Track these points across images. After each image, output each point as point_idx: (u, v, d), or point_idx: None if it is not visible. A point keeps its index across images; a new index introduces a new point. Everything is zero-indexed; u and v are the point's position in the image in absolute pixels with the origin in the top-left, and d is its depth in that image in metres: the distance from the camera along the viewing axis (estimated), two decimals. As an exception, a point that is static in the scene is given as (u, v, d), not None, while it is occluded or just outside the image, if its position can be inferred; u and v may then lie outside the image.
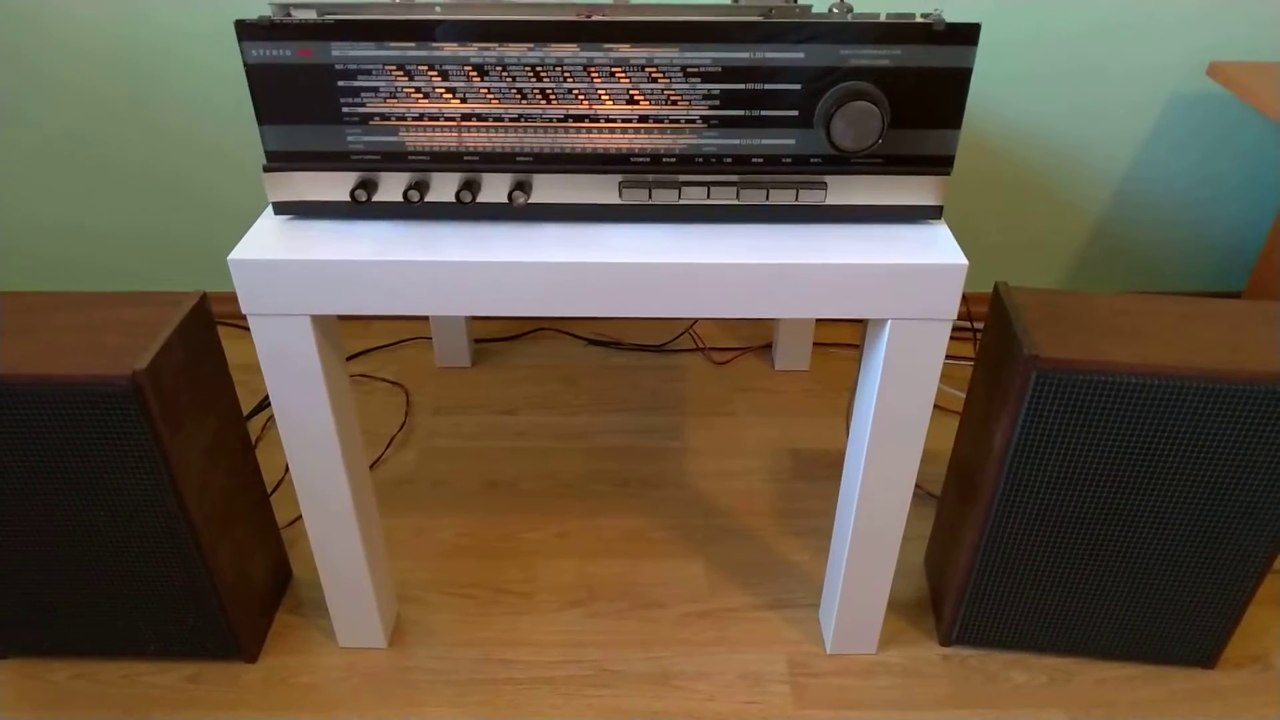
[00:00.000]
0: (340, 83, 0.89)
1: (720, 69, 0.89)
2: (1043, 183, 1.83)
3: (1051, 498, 1.09)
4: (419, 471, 1.57)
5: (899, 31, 0.86)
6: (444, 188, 0.94)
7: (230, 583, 1.16)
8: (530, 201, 0.95)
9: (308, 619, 1.30)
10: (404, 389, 1.76)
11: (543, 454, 1.61)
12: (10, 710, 1.18)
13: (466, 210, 0.96)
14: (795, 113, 0.91)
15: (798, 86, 0.89)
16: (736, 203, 0.95)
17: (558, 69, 0.88)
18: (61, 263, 1.91)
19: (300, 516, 1.46)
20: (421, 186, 0.94)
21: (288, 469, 1.53)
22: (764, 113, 0.91)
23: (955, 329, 1.87)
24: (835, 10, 0.93)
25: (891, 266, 0.91)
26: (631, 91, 0.90)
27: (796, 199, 0.95)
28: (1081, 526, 1.11)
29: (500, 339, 1.91)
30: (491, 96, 0.90)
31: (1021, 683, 1.22)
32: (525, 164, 0.93)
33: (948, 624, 1.24)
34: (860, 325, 1.94)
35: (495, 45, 0.87)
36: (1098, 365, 0.99)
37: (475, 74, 0.89)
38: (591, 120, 0.91)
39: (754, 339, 1.91)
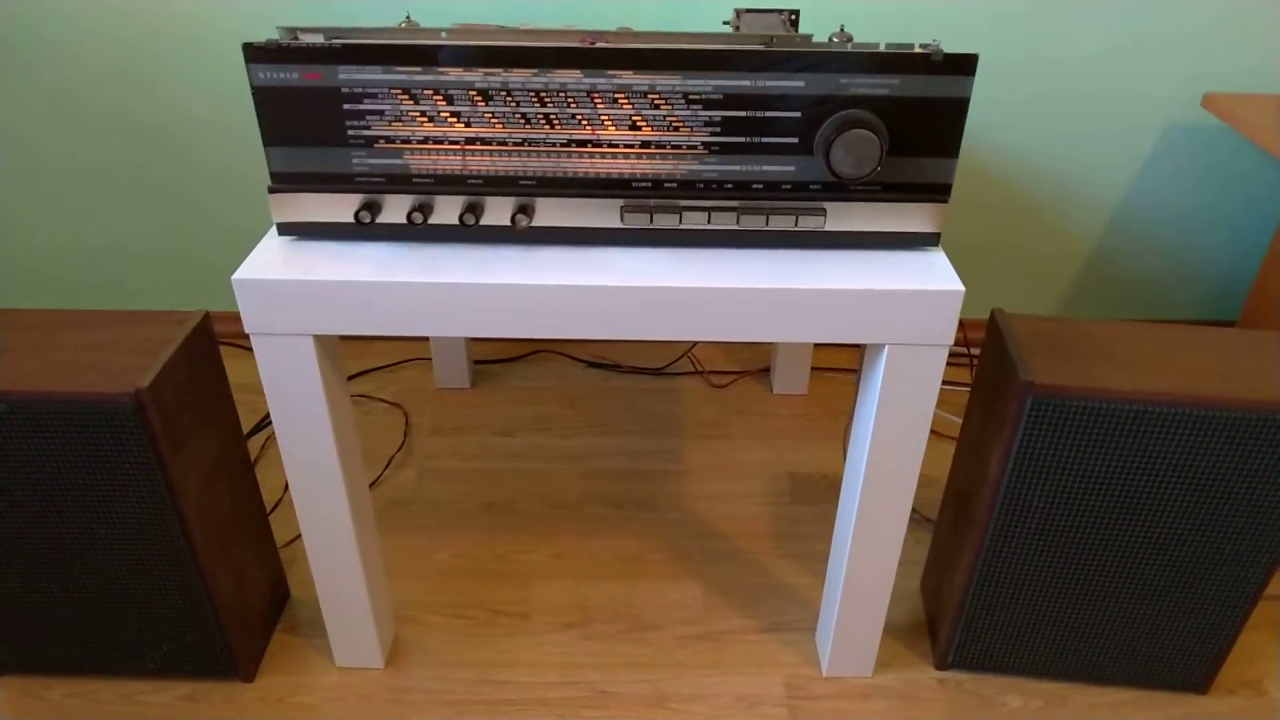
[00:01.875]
0: (346, 106, 0.90)
1: (722, 96, 0.90)
2: (1039, 211, 1.84)
3: (1047, 523, 1.09)
4: (417, 492, 1.57)
5: (898, 61, 0.88)
6: (447, 210, 0.95)
7: (229, 601, 1.16)
8: (533, 225, 0.96)
9: (305, 638, 1.30)
10: (403, 410, 1.77)
11: (540, 475, 1.61)
12: (6, 727, 1.19)
13: (469, 233, 0.97)
14: (795, 140, 0.92)
15: (798, 114, 0.91)
16: (737, 228, 0.96)
17: (561, 94, 0.90)
18: (66, 281, 1.92)
19: (299, 536, 1.46)
20: (425, 209, 0.95)
21: (287, 488, 1.53)
22: (764, 139, 0.92)
23: (952, 355, 1.88)
24: (835, 40, 0.94)
25: (889, 293, 0.92)
26: (634, 117, 0.91)
27: (796, 225, 0.96)
28: (1076, 552, 1.11)
29: (499, 360, 1.91)
30: (495, 121, 0.91)
31: (1016, 707, 1.23)
32: (528, 188, 0.94)
33: (943, 648, 1.25)
34: (858, 350, 1.95)
35: (500, 71, 0.89)
36: (1092, 392, 1.00)
37: (480, 99, 0.90)
38: (594, 145, 0.92)
39: (752, 363, 1.92)
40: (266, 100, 0.90)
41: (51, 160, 1.78)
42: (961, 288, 0.92)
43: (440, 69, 0.89)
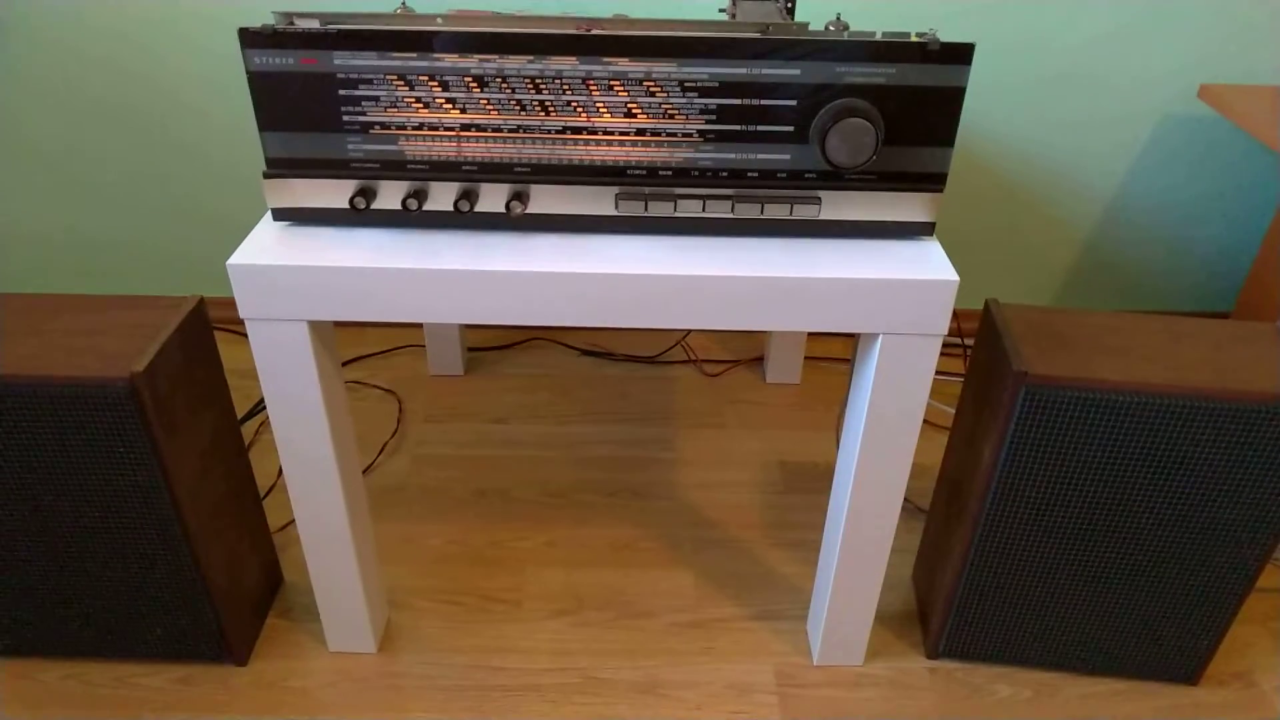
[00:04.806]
0: (341, 91, 0.90)
1: (717, 84, 0.90)
2: (1034, 202, 1.85)
3: (1039, 513, 1.10)
4: (410, 479, 1.57)
5: (894, 50, 0.88)
6: (442, 197, 0.95)
7: (222, 586, 1.17)
8: (527, 212, 0.96)
9: (298, 623, 1.31)
10: (397, 396, 1.77)
11: (533, 463, 1.61)
12: (1, 710, 1.19)
13: (464, 219, 0.97)
14: (791, 128, 0.92)
15: (793, 102, 0.91)
16: (731, 216, 0.96)
17: (557, 81, 0.90)
18: (60, 267, 1.91)
19: (292, 521, 1.46)
20: (420, 195, 0.94)
21: (280, 474, 1.54)
22: (760, 128, 0.92)
23: (945, 345, 1.88)
24: (831, 28, 0.94)
25: (883, 282, 0.93)
26: (629, 105, 0.91)
27: (791, 214, 0.96)
28: (1068, 542, 1.12)
29: (493, 348, 1.91)
30: (491, 108, 0.91)
31: (1006, 696, 1.23)
32: (523, 175, 0.94)
33: (934, 637, 1.25)
34: (851, 339, 1.95)
35: (495, 57, 0.88)
36: (1086, 382, 1.00)
37: (475, 85, 0.90)
38: (589, 132, 0.92)
39: (746, 352, 1.92)
40: (262, 85, 0.90)
41: (45, 148, 1.77)
42: (955, 277, 0.92)
43: (436, 55, 0.88)
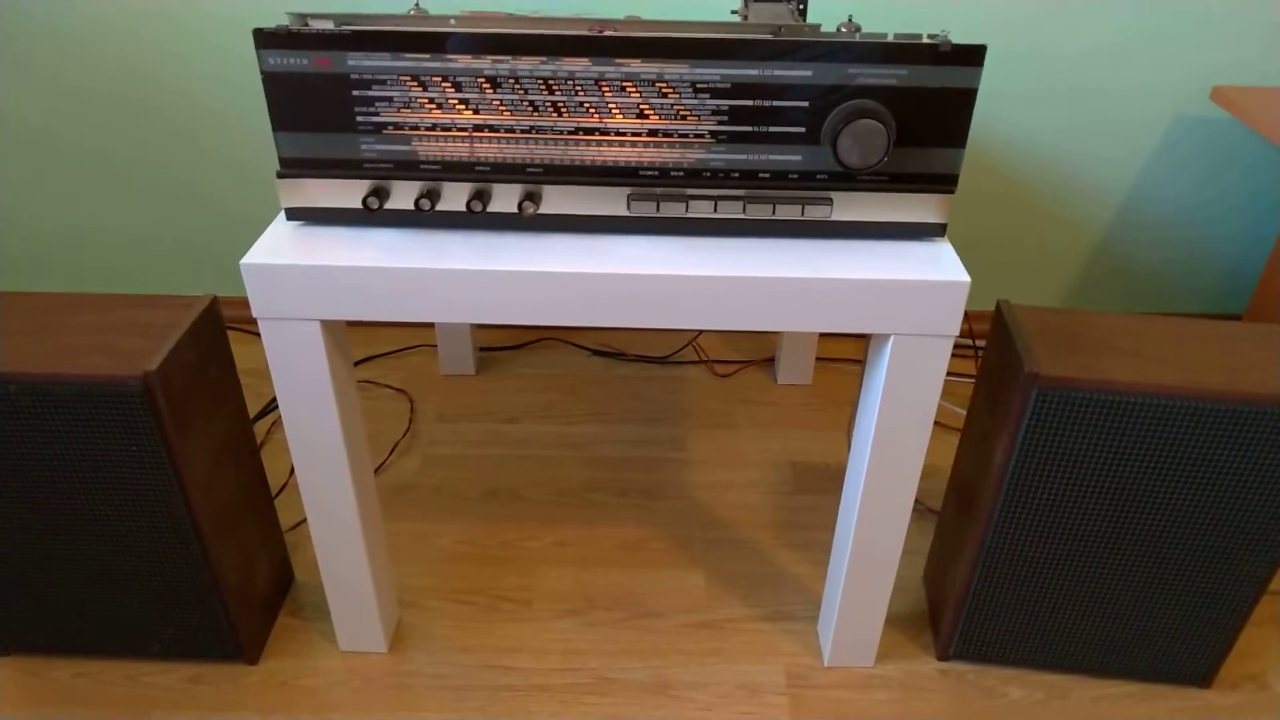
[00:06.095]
0: (355, 92, 0.90)
1: (729, 85, 0.90)
2: (1045, 202, 1.84)
3: (1050, 515, 1.10)
4: (421, 478, 1.58)
5: (906, 52, 0.88)
6: (455, 197, 0.95)
7: (234, 584, 1.17)
8: (539, 212, 0.96)
9: (309, 622, 1.31)
10: (408, 396, 1.77)
11: (544, 463, 1.61)
12: (12, 708, 1.19)
13: (476, 220, 0.97)
14: (802, 129, 0.92)
15: (805, 104, 0.91)
16: (743, 217, 0.96)
17: (569, 82, 0.90)
18: (74, 267, 1.92)
19: (304, 520, 1.47)
20: (433, 195, 0.95)
21: (292, 472, 1.54)
22: (772, 129, 0.92)
23: (957, 346, 1.88)
24: (843, 30, 0.94)
25: (895, 282, 0.92)
26: (641, 106, 0.91)
27: (802, 214, 0.96)
28: (1080, 544, 1.12)
29: (504, 348, 1.92)
30: (503, 108, 0.91)
31: (1018, 698, 1.23)
32: (535, 175, 0.95)
33: (945, 639, 1.25)
34: (863, 340, 1.95)
35: (508, 58, 0.89)
36: (1098, 384, 1.00)
37: (488, 86, 0.90)
38: (601, 133, 0.92)
39: (757, 352, 1.92)
40: (276, 86, 0.91)
41: (56, 146, 1.78)
42: (967, 278, 0.92)
43: (449, 56, 0.89)
